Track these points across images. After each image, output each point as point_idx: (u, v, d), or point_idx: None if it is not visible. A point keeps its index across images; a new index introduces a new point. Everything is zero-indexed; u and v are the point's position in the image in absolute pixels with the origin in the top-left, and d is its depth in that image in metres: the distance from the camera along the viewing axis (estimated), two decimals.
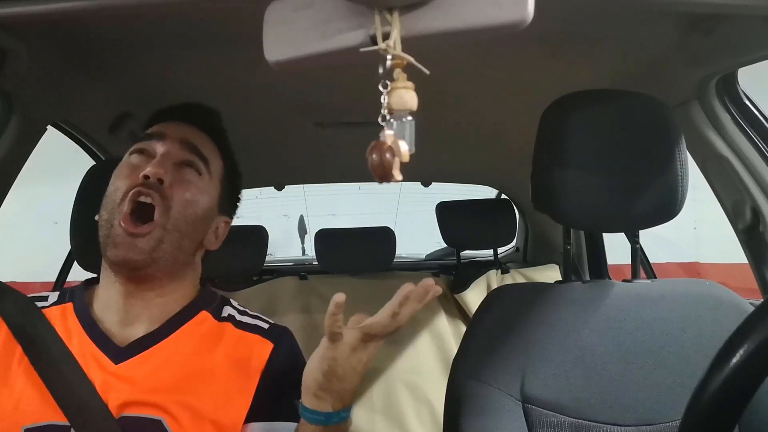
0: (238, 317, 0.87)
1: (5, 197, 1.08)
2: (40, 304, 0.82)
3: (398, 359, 1.92)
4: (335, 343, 0.68)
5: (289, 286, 2.00)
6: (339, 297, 0.65)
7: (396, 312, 0.67)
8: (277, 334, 0.86)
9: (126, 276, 0.80)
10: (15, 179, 1.09)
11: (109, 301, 0.82)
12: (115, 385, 0.75)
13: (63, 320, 0.81)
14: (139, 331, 0.80)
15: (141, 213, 0.78)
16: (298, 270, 2.15)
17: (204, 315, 0.85)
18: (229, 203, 0.93)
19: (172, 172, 0.81)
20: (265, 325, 0.87)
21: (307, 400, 0.71)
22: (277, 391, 0.81)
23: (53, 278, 1.79)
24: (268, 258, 2.09)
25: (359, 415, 1.87)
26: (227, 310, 0.87)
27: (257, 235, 2.00)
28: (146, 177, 0.78)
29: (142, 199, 0.78)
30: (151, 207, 0.78)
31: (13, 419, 0.72)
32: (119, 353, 0.77)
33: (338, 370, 0.69)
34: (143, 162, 0.82)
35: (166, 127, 0.86)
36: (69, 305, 0.83)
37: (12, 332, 0.77)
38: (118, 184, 0.81)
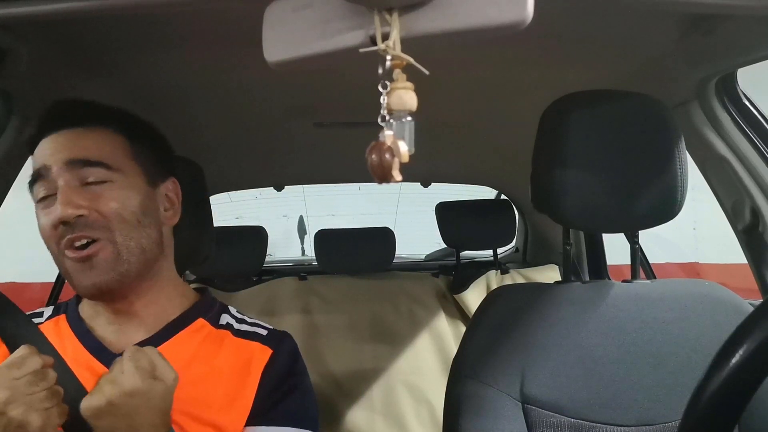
0: (237, 326, 0.86)
1: (5, 197, 1.08)
2: (36, 320, 0.82)
3: (398, 359, 1.92)
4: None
5: (288, 287, 2.00)
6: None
7: None
8: (276, 339, 0.85)
9: (105, 300, 0.79)
10: (15, 179, 1.09)
11: (100, 317, 0.82)
12: None
13: (57, 332, 0.81)
14: (135, 337, 0.80)
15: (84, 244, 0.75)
16: (297, 270, 2.15)
17: (201, 322, 0.84)
18: (160, 165, 0.84)
19: (82, 197, 0.75)
20: (264, 332, 0.86)
21: None
22: (276, 395, 0.81)
23: (53, 278, 1.78)
24: (267, 258, 2.09)
25: (359, 415, 1.87)
26: (225, 318, 0.87)
27: (257, 235, 2.00)
28: (63, 222, 0.73)
29: (78, 245, 0.74)
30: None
31: None
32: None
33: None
34: (50, 203, 0.75)
35: (48, 153, 0.77)
36: (62, 317, 0.84)
37: (9, 350, 0.76)
38: (42, 227, 0.76)
